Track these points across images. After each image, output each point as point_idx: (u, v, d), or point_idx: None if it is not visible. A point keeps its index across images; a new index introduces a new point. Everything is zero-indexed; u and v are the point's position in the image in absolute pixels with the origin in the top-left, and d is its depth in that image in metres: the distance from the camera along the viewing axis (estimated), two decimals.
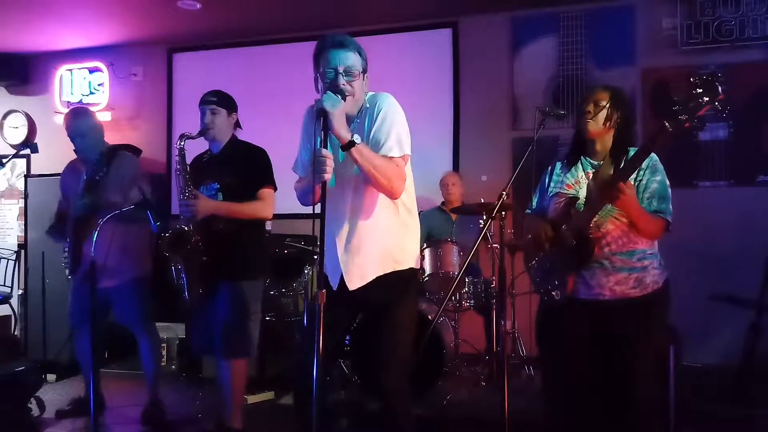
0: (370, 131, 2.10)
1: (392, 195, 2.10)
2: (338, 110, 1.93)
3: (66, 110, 5.98)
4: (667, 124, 2.02)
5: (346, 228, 2.12)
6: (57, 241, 3.53)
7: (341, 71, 2.05)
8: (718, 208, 4.57)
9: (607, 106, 2.30)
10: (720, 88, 1.96)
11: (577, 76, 4.95)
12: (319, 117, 1.90)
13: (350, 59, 2.08)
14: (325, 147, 1.89)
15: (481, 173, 5.07)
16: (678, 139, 2.07)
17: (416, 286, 2.32)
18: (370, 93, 2.18)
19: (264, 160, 3.08)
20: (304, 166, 2.23)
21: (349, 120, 2.08)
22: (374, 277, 2.14)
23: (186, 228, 2.87)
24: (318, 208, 2.02)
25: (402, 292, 2.18)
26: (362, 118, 2.14)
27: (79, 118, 3.42)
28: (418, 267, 2.28)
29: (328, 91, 1.97)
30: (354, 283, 2.12)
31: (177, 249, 2.88)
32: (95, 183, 3.32)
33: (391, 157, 2.05)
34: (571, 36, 4.97)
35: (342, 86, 2.03)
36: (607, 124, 2.31)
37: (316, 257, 4.28)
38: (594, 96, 2.34)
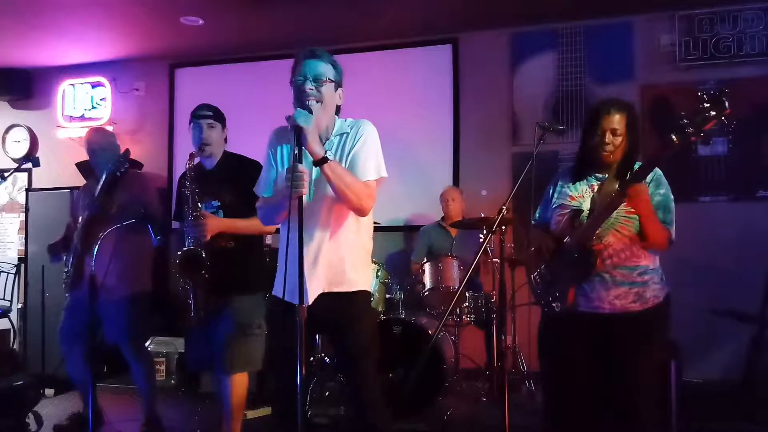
0: (350, 152, 2.16)
1: (361, 212, 2.16)
2: (312, 126, 1.98)
3: (68, 124, 6.07)
4: (674, 137, 2.04)
5: (314, 244, 2.15)
6: (53, 260, 3.54)
7: (310, 77, 2.11)
8: (719, 222, 4.57)
9: (623, 133, 2.28)
10: (727, 103, 1.98)
11: (576, 92, 4.98)
12: (294, 133, 1.95)
13: (321, 68, 2.14)
14: (299, 161, 1.93)
15: (481, 188, 5.07)
16: (678, 153, 2.08)
17: (370, 307, 2.40)
18: (350, 119, 2.25)
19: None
20: (268, 185, 2.26)
21: (327, 140, 2.17)
22: (330, 291, 2.17)
23: (200, 249, 2.82)
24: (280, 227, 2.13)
25: (358, 312, 2.23)
26: (342, 141, 2.20)
27: (101, 134, 3.59)
28: (371, 290, 2.34)
29: (299, 108, 2.03)
30: (312, 296, 2.14)
31: (192, 270, 2.83)
32: (113, 182, 3.34)
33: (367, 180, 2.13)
34: (570, 52, 5.01)
35: (308, 90, 2.09)
36: (625, 149, 2.31)
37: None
38: (611, 123, 2.27)
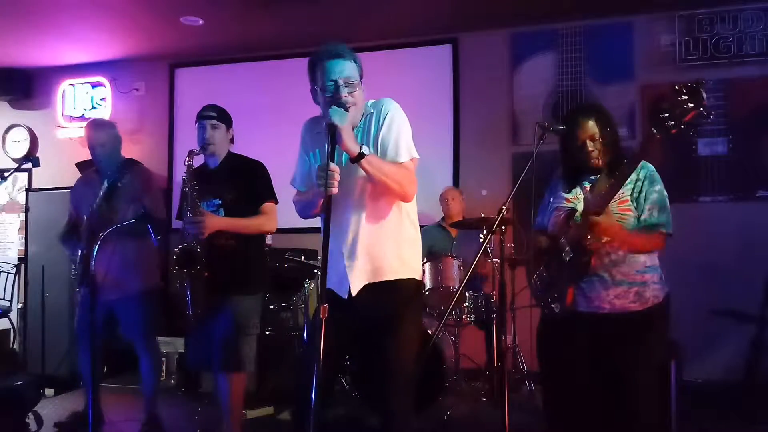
0: (377, 136, 2.11)
1: (405, 198, 2.12)
2: (347, 124, 1.95)
3: (68, 124, 6.07)
4: (654, 131, 2.06)
5: (350, 235, 2.11)
6: (68, 249, 3.49)
7: (341, 83, 2.06)
8: (719, 222, 4.57)
9: (600, 135, 2.31)
10: (704, 95, 1.99)
11: (576, 92, 4.98)
12: (329, 131, 1.92)
13: (348, 69, 2.08)
14: (332, 159, 1.90)
15: (481, 188, 5.08)
16: (668, 145, 2.10)
17: (419, 297, 2.30)
18: (372, 100, 2.19)
19: (264, 173, 3.09)
20: (303, 179, 2.25)
21: (353, 126, 2.09)
22: (376, 281, 2.11)
23: (196, 246, 2.84)
24: (318, 221, 2.09)
25: (405, 302, 2.14)
26: (367, 124, 2.15)
27: (101, 128, 3.48)
28: (421, 279, 2.26)
29: (333, 106, 1.98)
30: (356, 288, 2.10)
31: (187, 267, 2.84)
32: (115, 190, 3.33)
33: (401, 163, 2.08)
34: (570, 52, 5.01)
35: (344, 98, 2.03)
36: (609, 148, 2.32)
37: (317, 271, 4.27)
38: (587, 131, 2.31)
